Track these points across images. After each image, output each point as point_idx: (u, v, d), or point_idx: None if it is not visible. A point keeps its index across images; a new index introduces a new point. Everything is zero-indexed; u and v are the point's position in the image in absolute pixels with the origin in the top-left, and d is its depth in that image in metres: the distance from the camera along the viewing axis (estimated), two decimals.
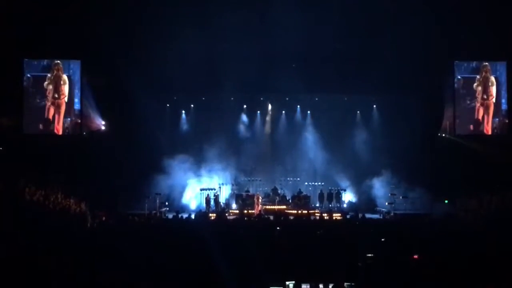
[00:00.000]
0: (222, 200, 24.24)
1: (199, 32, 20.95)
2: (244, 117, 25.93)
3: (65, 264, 9.69)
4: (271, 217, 18.72)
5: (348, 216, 19.70)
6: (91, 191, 19.91)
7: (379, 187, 23.81)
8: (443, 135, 23.66)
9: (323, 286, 9.61)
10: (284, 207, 23.32)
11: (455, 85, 22.90)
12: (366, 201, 24.24)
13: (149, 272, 9.58)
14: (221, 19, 20.72)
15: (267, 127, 26.39)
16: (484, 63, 22.82)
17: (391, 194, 23.03)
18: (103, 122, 23.51)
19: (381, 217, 21.64)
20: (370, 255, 10.83)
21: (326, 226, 15.85)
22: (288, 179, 25.59)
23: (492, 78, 22.78)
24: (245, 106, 25.86)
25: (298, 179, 25.52)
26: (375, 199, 24.08)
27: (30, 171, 18.97)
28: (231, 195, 24.65)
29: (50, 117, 22.11)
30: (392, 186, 23.32)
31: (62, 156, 21.18)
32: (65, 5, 20.36)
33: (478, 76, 22.86)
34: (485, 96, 22.80)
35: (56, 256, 10.06)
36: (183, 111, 25.87)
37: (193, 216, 19.25)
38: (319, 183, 25.12)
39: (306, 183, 25.33)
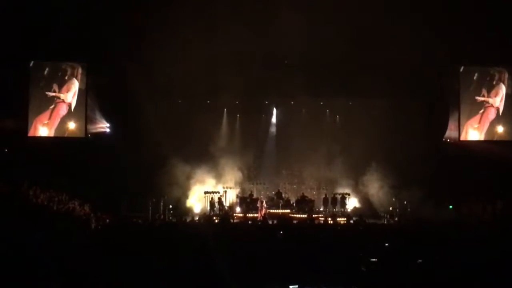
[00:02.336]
0: (226, 203, 24.23)
1: (204, 35, 21.02)
2: (249, 121, 25.89)
3: (68, 266, 9.72)
4: (275, 221, 18.73)
5: (352, 221, 19.69)
6: (95, 194, 19.94)
7: (383, 192, 23.74)
8: (448, 140, 23.60)
9: None
10: (288, 211, 23.28)
11: (460, 90, 22.85)
12: (370, 206, 24.21)
13: (153, 273, 9.60)
14: (226, 22, 20.74)
15: (272, 131, 26.35)
16: (490, 69, 22.77)
17: (395, 199, 23.00)
18: (108, 125, 23.54)
19: (385, 222, 21.59)
20: (373, 259, 10.83)
21: (330, 231, 15.85)
22: (292, 183, 25.59)
23: (497, 84, 22.73)
24: (250, 109, 25.82)
25: (302, 183, 25.51)
26: (379, 204, 24.02)
27: (34, 174, 19.04)
28: (235, 199, 24.64)
29: (55, 119, 22.16)
30: (396, 191, 23.26)
31: (67, 159, 21.20)
32: (70, 8, 20.44)
33: (483, 82, 22.81)
34: (489, 102, 22.76)
35: (59, 258, 10.08)
36: (188, 114, 25.81)
37: (197, 219, 19.27)
38: (323, 188, 25.08)
39: (310, 188, 25.32)
